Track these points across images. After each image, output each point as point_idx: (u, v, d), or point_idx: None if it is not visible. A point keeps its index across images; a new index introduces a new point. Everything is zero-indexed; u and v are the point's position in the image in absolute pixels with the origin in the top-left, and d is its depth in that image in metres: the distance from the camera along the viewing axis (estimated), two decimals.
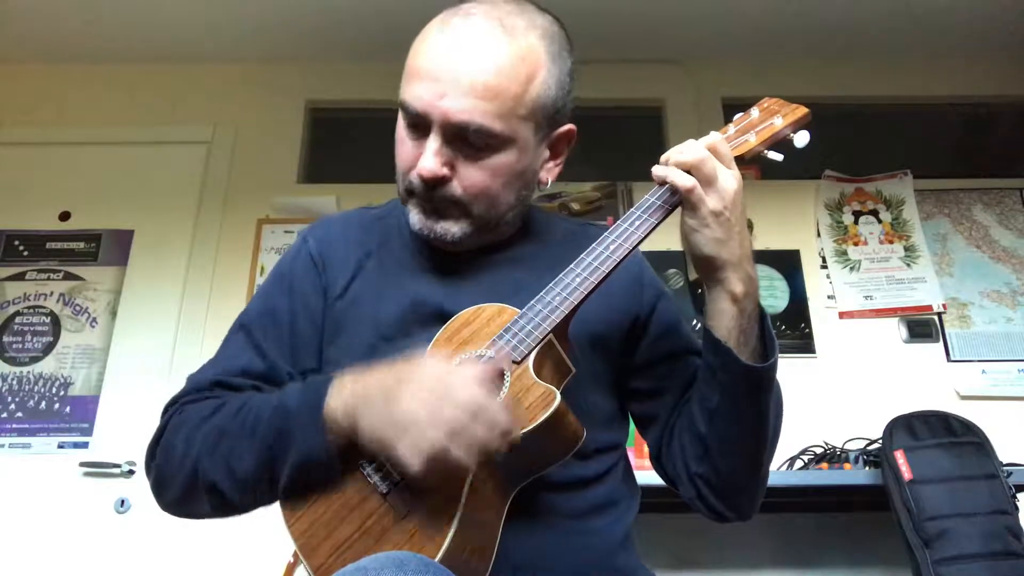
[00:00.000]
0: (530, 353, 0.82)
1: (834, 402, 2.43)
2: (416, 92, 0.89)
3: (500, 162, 0.91)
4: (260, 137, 2.89)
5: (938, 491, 1.91)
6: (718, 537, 2.30)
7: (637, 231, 0.88)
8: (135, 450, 2.36)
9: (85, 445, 2.46)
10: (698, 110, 2.93)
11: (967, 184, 2.83)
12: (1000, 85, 3.01)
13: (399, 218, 1.05)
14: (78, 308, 2.65)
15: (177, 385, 0.97)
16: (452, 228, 0.93)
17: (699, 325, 2.64)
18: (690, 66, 2.99)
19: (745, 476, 0.93)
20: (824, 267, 2.69)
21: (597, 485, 0.93)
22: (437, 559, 0.73)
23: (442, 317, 0.91)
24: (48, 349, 2.59)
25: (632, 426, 1.07)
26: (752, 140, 0.94)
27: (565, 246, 1.03)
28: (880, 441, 2.06)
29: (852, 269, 2.68)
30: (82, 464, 2.41)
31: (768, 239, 2.67)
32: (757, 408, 0.89)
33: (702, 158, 0.85)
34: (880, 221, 2.76)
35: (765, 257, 2.63)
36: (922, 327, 2.59)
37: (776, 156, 0.96)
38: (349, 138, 3.02)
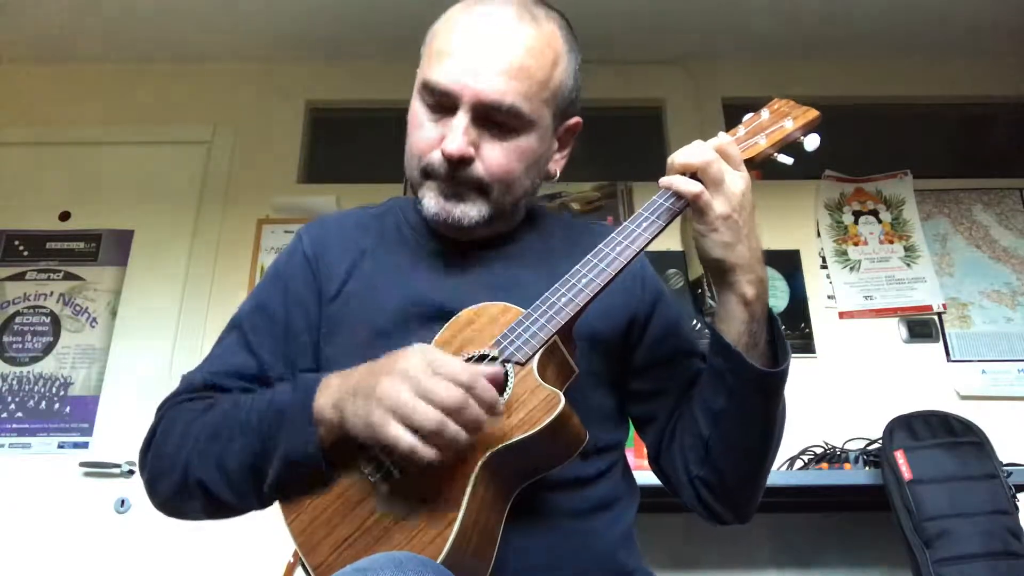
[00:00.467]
0: (534, 355, 0.81)
1: (834, 402, 2.43)
2: (445, 71, 0.89)
3: (523, 144, 0.92)
4: (260, 137, 2.89)
5: (938, 491, 1.91)
6: (718, 537, 2.29)
7: (644, 233, 0.87)
8: (135, 450, 2.34)
9: (85, 445, 2.46)
10: (698, 110, 2.93)
11: (967, 184, 2.83)
12: (1000, 85, 3.00)
13: (397, 216, 1.05)
14: (78, 308, 2.65)
15: (176, 385, 0.97)
16: (470, 211, 0.93)
17: (699, 325, 2.65)
18: (690, 66, 2.99)
19: (747, 480, 0.93)
20: (824, 267, 2.69)
21: (597, 484, 0.92)
22: (439, 560, 0.72)
23: (440, 313, 0.90)
24: (48, 349, 2.59)
25: (631, 426, 1.07)
26: (762, 143, 0.93)
27: (565, 243, 1.03)
28: (880, 441, 2.05)
29: (852, 269, 2.68)
30: (82, 464, 2.41)
31: (768, 239, 2.62)
32: (764, 413, 0.89)
33: (708, 161, 0.85)
34: (880, 221, 2.76)
35: (765, 257, 2.63)
36: (922, 327, 2.59)
37: (786, 159, 0.95)
38: (349, 138, 3.02)
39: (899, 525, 1.93)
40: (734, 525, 0.96)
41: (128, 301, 2.65)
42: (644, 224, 0.88)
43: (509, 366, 0.82)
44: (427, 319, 0.92)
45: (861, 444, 2.18)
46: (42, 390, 2.53)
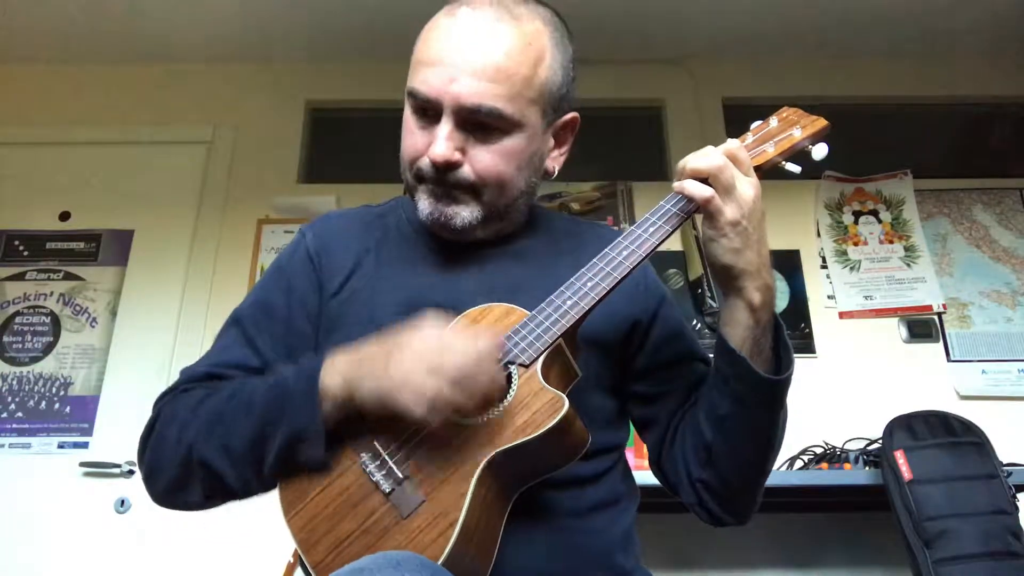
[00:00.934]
0: (539, 357, 0.82)
1: (834, 402, 2.42)
2: (425, 78, 0.90)
3: (510, 145, 0.92)
4: (260, 137, 2.89)
5: (938, 491, 1.91)
6: (718, 537, 2.29)
7: (651, 238, 0.87)
8: (135, 450, 2.35)
9: (85, 445, 2.46)
10: (698, 110, 2.93)
11: (967, 184, 2.83)
12: (1000, 85, 3.00)
13: (400, 215, 1.05)
14: (78, 308, 2.65)
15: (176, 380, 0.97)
16: (463, 212, 0.93)
17: (699, 325, 2.64)
18: (690, 66, 2.99)
19: (748, 483, 0.93)
20: (824, 267, 2.69)
21: (596, 484, 0.92)
22: (440, 561, 0.73)
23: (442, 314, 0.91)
24: (48, 349, 2.59)
25: (632, 427, 1.07)
26: (770, 150, 0.93)
27: (567, 244, 1.03)
28: (880, 441, 2.05)
29: (852, 269, 2.68)
30: (82, 464, 2.41)
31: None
32: (767, 419, 0.89)
33: (720, 166, 0.85)
34: (880, 221, 2.76)
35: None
36: (922, 327, 2.59)
37: (794, 168, 0.95)
38: (349, 138, 3.02)
39: (899, 525, 1.93)
40: (734, 526, 0.96)
41: (128, 301, 2.65)
42: (651, 229, 0.88)
43: (513, 368, 0.82)
44: None
45: (861, 444, 2.18)
46: (42, 390, 2.53)
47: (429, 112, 0.91)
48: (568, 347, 0.85)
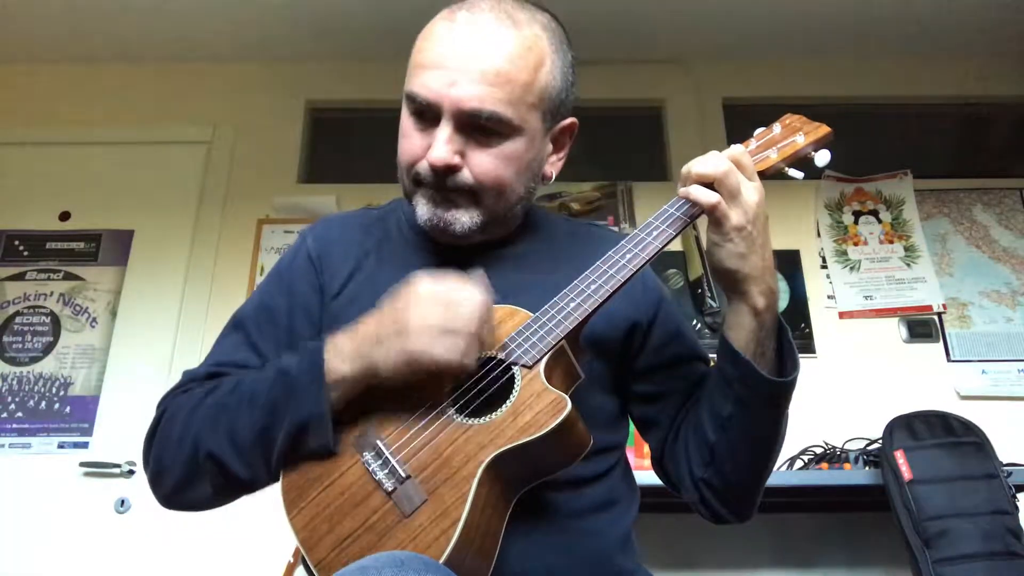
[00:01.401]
0: (542, 359, 0.82)
1: (834, 402, 2.42)
2: (425, 81, 0.90)
3: (510, 150, 0.92)
4: (260, 137, 2.89)
5: (938, 491, 1.91)
6: (718, 537, 2.29)
7: (654, 241, 0.88)
8: (135, 450, 2.34)
9: (85, 445, 2.46)
10: (698, 110, 2.94)
11: (967, 184, 2.83)
12: (1000, 85, 3.00)
13: (400, 217, 1.06)
14: (78, 308, 2.65)
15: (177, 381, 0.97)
16: (462, 218, 0.93)
17: (698, 325, 2.64)
18: (690, 66, 2.99)
19: (750, 483, 0.94)
20: (824, 267, 2.70)
21: (596, 484, 0.93)
22: (442, 560, 0.73)
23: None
24: (48, 349, 2.59)
25: (632, 427, 1.07)
26: (773, 156, 0.94)
27: (567, 245, 1.04)
28: (880, 441, 2.06)
29: (852, 269, 2.68)
30: (82, 464, 2.41)
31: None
32: (770, 420, 0.90)
33: (726, 171, 0.85)
34: (880, 221, 2.76)
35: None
36: (922, 327, 2.59)
37: (797, 174, 0.96)
38: (349, 138, 3.02)
39: (899, 525, 1.93)
40: (734, 526, 0.97)
41: (128, 301, 2.65)
42: (655, 232, 0.89)
43: (516, 369, 0.82)
44: None
45: (861, 444, 2.18)
46: (42, 390, 2.53)
47: (427, 116, 0.91)
48: (571, 349, 0.85)
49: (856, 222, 2.76)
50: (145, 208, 2.77)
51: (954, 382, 2.51)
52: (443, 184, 0.91)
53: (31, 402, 2.52)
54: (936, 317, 2.61)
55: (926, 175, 2.83)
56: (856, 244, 2.72)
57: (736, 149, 0.90)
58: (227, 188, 2.81)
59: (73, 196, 2.79)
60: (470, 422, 0.80)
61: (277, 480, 0.85)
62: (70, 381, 2.55)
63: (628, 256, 0.87)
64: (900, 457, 1.97)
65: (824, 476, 2.08)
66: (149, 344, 2.57)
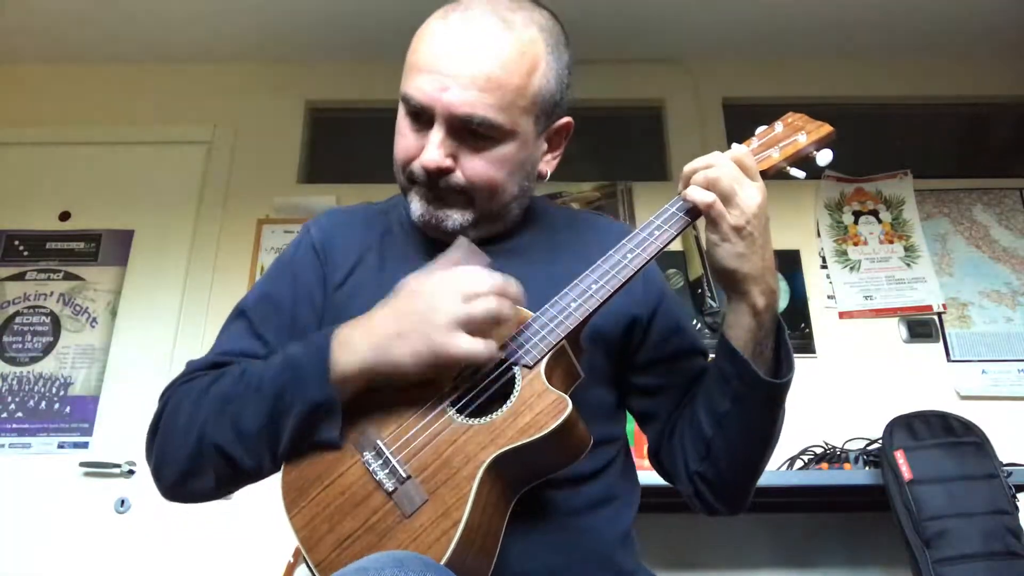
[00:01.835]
0: (543, 358, 0.82)
1: (834, 402, 2.43)
2: (418, 85, 0.90)
3: (502, 153, 0.92)
4: (260, 137, 2.89)
5: (938, 491, 1.91)
6: (718, 537, 2.30)
7: (656, 241, 0.88)
8: (135, 450, 2.35)
9: (85, 445, 2.46)
10: (698, 110, 2.93)
11: (967, 184, 2.83)
12: (1000, 85, 3.01)
13: (401, 212, 1.06)
14: (78, 308, 2.65)
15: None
16: (454, 216, 0.94)
17: (699, 325, 2.64)
18: (690, 66, 2.99)
19: (744, 478, 0.95)
20: (824, 267, 2.70)
21: (595, 480, 0.93)
22: (443, 560, 0.73)
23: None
24: (48, 349, 2.59)
25: (631, 424, 1.07)
26: (775, 156, 0.94)
27: (567, 236, 1.05)
28: (880, 441, 2.06)
29: (852, 269, 2.68)
30: (82, 464, 2.41)
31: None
32: (767, 418, 0.91)
33: (719, 175, 0.85)
34: (880, 221, 2.76)
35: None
36: (922, 327, 2.59)
37: (798, 173, 0.95)
38: (349, 138, 3.02)
39: (899, 525, 1.93)
40: (735, 524, 0.98)
41: (128, 301, 2.65)
42: (656, 232, 0.89)
43: (516, 368, 0.82)
44: None
45: (861, 444, 2.18)
46: (42, 390, 2.53)
47: (422, 117, 0.92)
48: (572, 349, 0.85)
49: (856, 222, 2.76)
50: (145, 208, 2.77)
51: (954, 382, 2.51)
52: (436, 184, 0.93)
53: (31, 402, 2.52)
54: (936, 317, 2.61)
55: (926, 175, 2.83)
56: (856, 244, 2.72)
57: (738, 149, 0.90)
58: (227, 188, 2.81)
59: (73, 196, 2.79)
60: (470, 422, 0.80)
61: (279, 469, 0.85)
62: (70, 381, 2.55)
63: (629, 255, 0.88)
64: (900, 457, 1.97)
65: (824, 476, 2.09)
66: (149, 344, 2.57)
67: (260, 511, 2.12)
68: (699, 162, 0.88)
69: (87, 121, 2.91)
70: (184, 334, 2.58)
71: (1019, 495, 2.00)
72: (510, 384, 0.82)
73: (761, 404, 0.89)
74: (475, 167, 0.92)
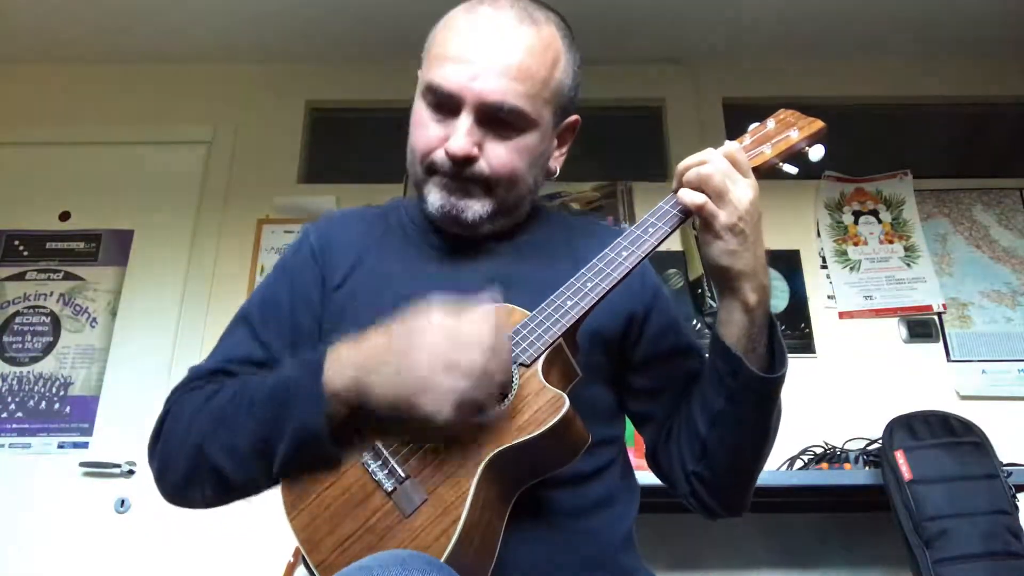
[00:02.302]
0: (539, 357, 0.82)
1: (834, 402, 2.43)
2: (447, 74, 0.92)
3: (525, 143, 0.94)
4: (260, 137, 2.89)
5: (938, 491, 1.91)
6: (718, 537, 2.30)
7: (650, 239, 0.89)
8: (135, 450, 2.36)
9: (85, 445, 2.46)
10: (698, 110, 2.94)
11: (967, 184, 2.83)
12: (1000, 85, 3.01)
13: (400, 214, 1.07)
14: (78, 308, 2.65)
15: (182, 377, 0.97)
16: (474, 206, 0.95)
17: (699, 325, 2.64)
18: (690, 66, 2.99)
19: (741, 477, 0.95)
20: (824, 267, 2.70)
21: (595, 481, 0.93)
22: (443, 559, 0.73)
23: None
24: (48, 349, 2.59)
25: (631, 425, 1.07)
26: (767, 152, 0.94)
27: (566, 239, 1.05)
28: (880, 441, 2.05)
29: (852, 269, 2.68)
30: (82, 464, 2.41)
31: (768, 239, 2.62)
32: (761, 415, 0.91)
33: (710, 173, 0.85)
34: (880, 221, 2.76)
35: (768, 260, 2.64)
36: (922, 327, 2.59)
37: (791, 169, 0.96)
38: (349, 138, 3.02)
39: (899, 525, 1.93)
40: (735, 524, 0.98)
41: (128, 301, 2.65)
42: (650, 230, 0.89)
43: (514, 367, 0.82)
44: None
45: (861, 444, 2.18)
46: (42, 390, 2.54)
47: (447, 107, 0.93)
48: (568, 347, 0.86)
49: (856, 222, 2.76)
50: (145, 208, 2.77)
51: (954, 382, 2.51)
52: (459, 173, 0.93)
53: (31, 402, 2.52)
54: (936, 317, 2.61)
55: (926, 175, 2.83)
56: (856, 244, 2.72)
57: (730, 146, 0.90)
58: (227, 188, 2.81)
59: (73, 196, 2.80)
60: (480, 419, 0.80)
61: (278, 484, 0.85)
62: (70, 381, 2.55)
63: (625, 253, 0.88)
64: (900, 457, 1.97)
65: (824, 476, 2.08)
66: (149, 344, 2.57)
67: (260, 511, 2.12)
68: (692, 159, 0.88)
69: (87, 121, 2.91)
70: (184, 334, 2.58)
71: (1019, 495, 1.99)
72: (507, 382, 0.82)
73: (756, 401, 0.89)
74: (500, 156, 0.93)
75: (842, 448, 2.20)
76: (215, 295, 2.64)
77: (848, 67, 2.98)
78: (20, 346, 2.59)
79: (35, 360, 2.58)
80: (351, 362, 0.81)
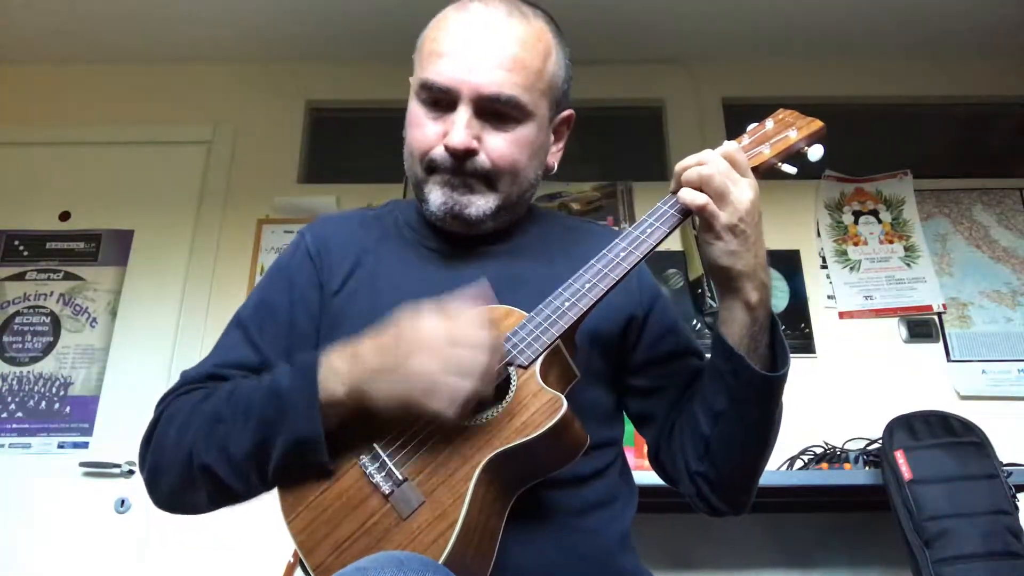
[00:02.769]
0: (537, 358, 0.82)
1: (834, 402, 2.42)
2: (441, 69, 0.92)
3: (523, 134, 0.95)
4: (260, 137, 2.89)
5: (938, 491, 1.91)
6: (717, 537, 2.29)
7: (648, 239, 0.88)
8: (135, 450, 2.35)
9: (85, 445, 2.46)
10: (698, 110, 2.93)
11: (967, 184, 2.83)
12: (1000, 85, 3.00)
13: (397, 217, 1.07)
14: (78, 308, 2.65)
15: (176, 382, 0.97)
16: (478, 202, 0.95)
17: (699, 325, 2.64)
18: (690, 66, 2.99)
19: (745, 476, 0.95)
20: (824, 267, 2.69)
21: (594, 482, 0.93)
22: (441, 561, 0.73)
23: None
24: (48, 349, 2.59)
25: (631, 426, 1.07)
26: (766, 152, 0.94)
27: (564, 240, 1.05)
28: (880, 441, 2.05)
29: (852, 269, 2.68)
30: (82, 464, 2.41)
31: (768, 239, 2.61)
32: (764, 414, 0.90)
33: (711, 174, 0.85)
34: (880, 221, 2.76)
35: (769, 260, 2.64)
36: (922, 327, 2.59)
37: (790, 169, 0.96)
38: (349, 138, 3.02)
39: (899, 525, 1.93)
40: (735, 524, 0.98)
41: (128, 301, 2.65)
42: (649, 230, 0.89)
43: (512, 369, 0.82)
44: None
45: (861, 444, 2.18)
46: (42, 390, 2.53)
47: (442, 103, 0.93)
48: (566, 348, 0.85)
49: (856, 222, 2.76)
50: (145, 208, 2.77)
51: (954, 382, 2.51)
52: (461, 168, 0.93)
53: (31, 402, 2.52)
54: (936, 317, 2.61)
55: (926, 175, 2.82)
56: (856, 244, 2.72)
57: (729, 146, 0.90)
58: (227, 188, 2.81)
59: (73, 196, 2.80)
60: (466, 423, 0.80)
61: (272, 489, 0.85)
62: (70, 381, 2.55)
63: (623, 254, 0.88)
64: (900, 457, 1.97)
65: (824, 476, 2.08)
66: (149, 344, 2.57)
67: (259, 512, 2.12)
68: (690, 160, 0.88)
69: (87, 121, 2.90)
70: (184, 334, 2.58)
71: (1019, 495, 1.99)
72: (505, 384, 0.82)
73: (758, 399, 0.89)
74: (499, 148, 0.93)
75: (842, 448, 2.19)
76: (215, 295, 2.64)
77: (848, 67, 2.98)
78: (20, 346, 2.59)
79: (35, 360, 2.58)
80: (347, 370, 0.81)
